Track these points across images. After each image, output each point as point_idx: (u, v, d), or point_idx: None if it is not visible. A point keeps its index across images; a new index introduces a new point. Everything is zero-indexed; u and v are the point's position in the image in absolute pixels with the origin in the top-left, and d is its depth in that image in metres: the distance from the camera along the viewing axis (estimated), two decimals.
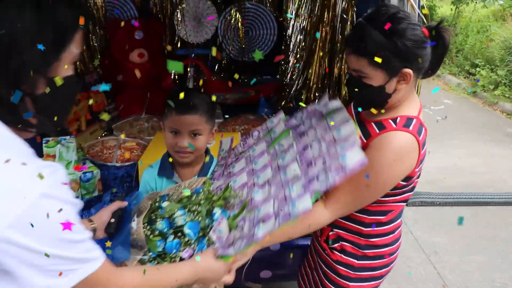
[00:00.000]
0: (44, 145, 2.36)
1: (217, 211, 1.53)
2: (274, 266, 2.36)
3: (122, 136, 2.88)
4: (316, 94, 3.25)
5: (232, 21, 3.95)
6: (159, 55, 3.83)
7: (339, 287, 1.71)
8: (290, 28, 4.10)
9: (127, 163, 2.75)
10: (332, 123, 1.50)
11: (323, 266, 1.75)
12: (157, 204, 1.58)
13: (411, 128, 1.44)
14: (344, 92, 2.86)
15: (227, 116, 3.24)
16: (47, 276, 0.91)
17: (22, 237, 0.85)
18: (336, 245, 1.69)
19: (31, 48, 0.92)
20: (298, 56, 3.87)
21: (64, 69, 1.01)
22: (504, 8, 10.80)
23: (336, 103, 1.55)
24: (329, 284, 1.74)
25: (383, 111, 1.51)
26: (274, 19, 4.00)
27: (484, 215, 4.13)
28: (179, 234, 1.46)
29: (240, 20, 3.93)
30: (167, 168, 1.88)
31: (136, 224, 1.47)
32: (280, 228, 1.35)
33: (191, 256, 1.41)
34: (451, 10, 11.12)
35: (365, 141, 1.50)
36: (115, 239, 1.50)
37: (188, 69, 3.95)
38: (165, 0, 3.94)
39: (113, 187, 2.56)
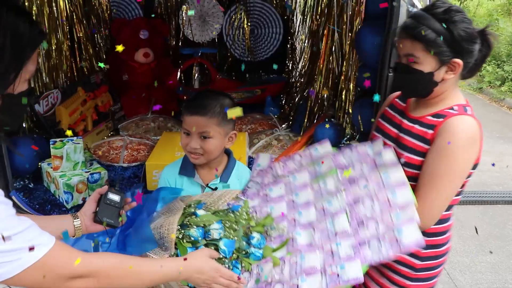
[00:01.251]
0: (51, 146, 2.34)
1: (256, 235, 1.50)
2: None
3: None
4: (324, 95, 3.20)
5: (237, 20, 3.92)
6: (164, 54, 3.82)
7: (398, 286, 1.69)
8: (296, 27, 4.07)
9: (134, 164, 2.74)
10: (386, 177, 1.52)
11: (381, 265, 1.68)
12: (192, 209, 1.55)
13: (469, 113, 1.50)
14: (351, 94, 2.82)
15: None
16: None
17: None
18: None
19: None
20: (304, 55, 3.82)
21: (20, 85, 1.06)
22: (510, 2, 10.72)
23: (390, 154, 1.56)
24: (387, 283, 1.71)
25: (428, 106, 1.56)
26: (280, 18, 3.96)
27: (493, 214, 4.08)
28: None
29: (245, 19, 3.90)
30: (189, 168, 1.84)
31: (168, 224, 1.43)
32: None
33: None
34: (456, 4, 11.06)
35: (431, 131, 1.51)
36: (125, 230, 1.48)
37: (194, 68, 3.93)
38: None
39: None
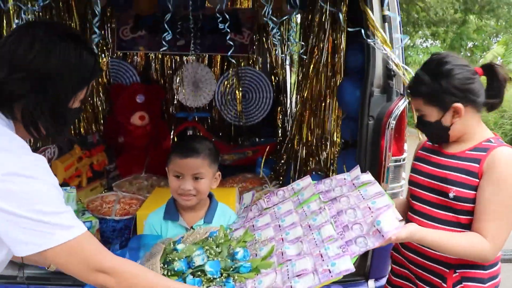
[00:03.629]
0: None
1: (239, 250, 1.54)
2: None
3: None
4: (311, 151, 3.32)
5: (228, 86, 4.13)
6: (159, 117, 3.98)
7: None
8: (285, 91, 4.28)
9: (125, 217, 2.78)
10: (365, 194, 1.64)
11: None
12: (171, 246, 1.59)
13: (507, 144, 1.60)
14: (336, 146, 2.94)
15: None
16: (27, 234, 1.08)
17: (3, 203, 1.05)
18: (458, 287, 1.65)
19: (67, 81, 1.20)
20: (293, 117, 3.99)
21: (75, 103, 1.26)
22: None
23: (368, 176, 1.70)
24: None
25: (461, 142, 1.66)
26: (270, 83, 4.18)
27: None
28: (199, 273, 1.47)
29: (236, 84, 4.11)
30: (172, 212, 1.90)
31: (151, 266, 1.47)
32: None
33: None
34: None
35: (477, 165, 1.58)
36: None
37: (187, 131, 4.08)
38: (165, 66, 4.14)
39: (111, 238, 2.57)
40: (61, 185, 2.64)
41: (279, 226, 1.68)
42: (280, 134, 4.30)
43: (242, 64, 4.20)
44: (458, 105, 1.58)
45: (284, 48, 4.35)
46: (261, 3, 3.88)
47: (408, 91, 1.73)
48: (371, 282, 2.36)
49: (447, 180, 1.62)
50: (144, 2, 3.63)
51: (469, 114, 1.61)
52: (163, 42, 2.30)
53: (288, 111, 4.29)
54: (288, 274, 1.45)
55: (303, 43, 2.38)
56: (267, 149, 3.96)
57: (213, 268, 1.46)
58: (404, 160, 2.33)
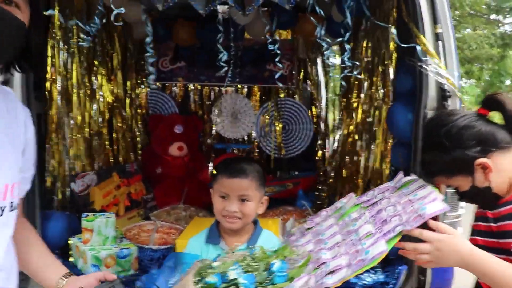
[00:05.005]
0: (83, 218, 2.33)
1: (276, 262, 1.45)
2: None
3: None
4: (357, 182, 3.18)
5: (267, 118, 4.06)
6: (197, 149, 3.92)
7: None
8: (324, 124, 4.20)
9: (164, 246, 2.69)
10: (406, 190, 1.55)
11: None
12: (207, 262, 1.51)
13: None
14: (384, 175, 2.80)
15: None
16: None
17: None
18: None
19: None
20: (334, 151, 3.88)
21: None
22: None
23: (411, 177, 1.61)
24: None
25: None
26: (310, 115, 4.09)
27: None
28: (232, 287, 1.37)
29: (276, 116, 4.04)
30: (215, 235, 1.87)
31: (184, 282, 1.41)
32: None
33: None
34: None
35: None
36: None
37: None
38: (203, 97, 4.13)
39: (149, 267, 2.47)
40: (100, 211, 2.61)
41: (320, 240, 1.62)
42: (321, 167, 4.17)
43: (282, 95, 4.14)
44: (481, 161, 1.41)
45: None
46: (299, 35, 3.92)
47: (423, 178, 1.56)
48: None
49: (506, 233, 1.39)
50: (184, 33, 3.65)
51: (499, 160, 1.42)
52: (219, 63, 2.26)
53: (329, 142, 4.17)
54: (321, 274, 1.39)
55: (357, 62, 2.29)
56: (307, 182, 3.86)
57: (247, 280, 1.37)
58: None
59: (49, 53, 2.61)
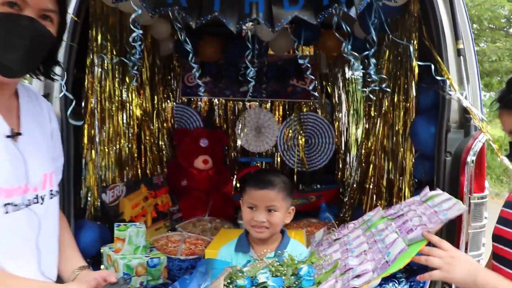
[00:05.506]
0: (115, 228, 2.41)
1: (304, 267, 1.52)
2: None
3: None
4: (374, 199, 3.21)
5: (291, 132, 4.13)
6: (222, 162, 4.00)
7: None
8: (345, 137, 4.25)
9: (191, 256, 2.75)
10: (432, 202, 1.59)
11: None
12: (238, 268, 1.58)
13: None
14: (407, 188, 2.83)
15: None
16: None
17: None
18: None
19: None
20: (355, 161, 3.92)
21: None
22: None
23: (437, 191, 1.66)
24: None
25: None
26: (332, 129, 4.15)
27: None
28: None
29: (299, 130, 4.10)
30: (244, 244, 1.94)
31: (217, 284, 1.47)
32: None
33: None
34: None
35: None
36: None
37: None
38: (228, 111, 4.22)
39: (178, 277, 2.54)
40: (129, 221, 2.69)
41: (347, 250, 1.67)
42: (343, 180, 4.21)
43: (305, 110, 4.21)
44: None
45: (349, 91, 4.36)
46: (322, 50, 3.99)
47: (501, 104, 1.44)
48: None
49: None
50: (210, 50, 3.76)
51: None
52: (248, 79, 2.34)
53: (351, 155, 4.22)
54: (348, 278, 1.42)
55: (383, 75, 2.36)
56: (330, 195, 3.90)
57: (276, 284, 1.44)
58: (485, 198, 2.22)
59: (87, 69, 2.72)
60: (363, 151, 3.53)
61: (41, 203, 1.31)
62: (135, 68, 2.26)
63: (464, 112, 2.25)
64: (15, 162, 1.25)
